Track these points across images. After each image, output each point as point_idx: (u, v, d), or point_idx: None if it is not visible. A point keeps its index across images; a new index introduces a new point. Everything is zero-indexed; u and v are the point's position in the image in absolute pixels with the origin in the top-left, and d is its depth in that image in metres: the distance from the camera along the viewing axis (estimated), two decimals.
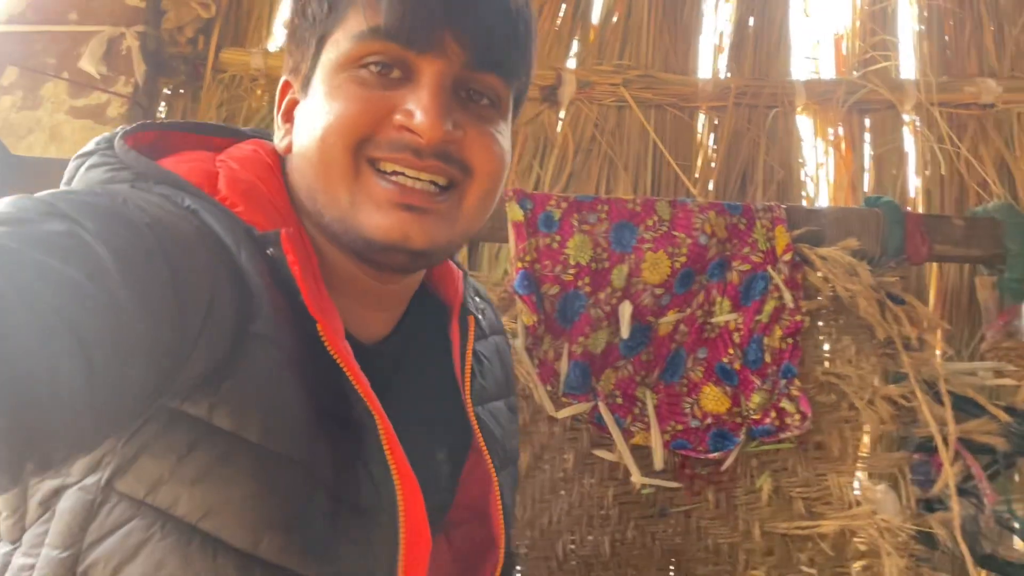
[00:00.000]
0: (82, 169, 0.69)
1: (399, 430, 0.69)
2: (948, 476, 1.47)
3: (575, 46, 2.09)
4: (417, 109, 0.67)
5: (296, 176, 0.73)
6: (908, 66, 2.14)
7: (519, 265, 1.47)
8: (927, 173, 2.07)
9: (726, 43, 2.12)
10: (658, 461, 1.50)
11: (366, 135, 0.68)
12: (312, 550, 0.61)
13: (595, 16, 2.11)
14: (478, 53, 0.69)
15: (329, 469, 0.64)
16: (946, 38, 2.16)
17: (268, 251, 0.65)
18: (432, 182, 0.69)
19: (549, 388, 1.47)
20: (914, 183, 2.08)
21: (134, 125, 0.73)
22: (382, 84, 0.68)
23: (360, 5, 0.68)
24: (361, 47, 0.68)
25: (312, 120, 0.69)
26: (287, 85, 0.77)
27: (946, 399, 1.51)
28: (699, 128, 2.07)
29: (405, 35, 0.67)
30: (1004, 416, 1.53)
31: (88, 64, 1.80)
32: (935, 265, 1.99)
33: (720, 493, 1.54)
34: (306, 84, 0.72)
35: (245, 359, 0.61)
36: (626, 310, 1.51)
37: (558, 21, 2.08)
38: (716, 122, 2.07)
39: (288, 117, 0.75)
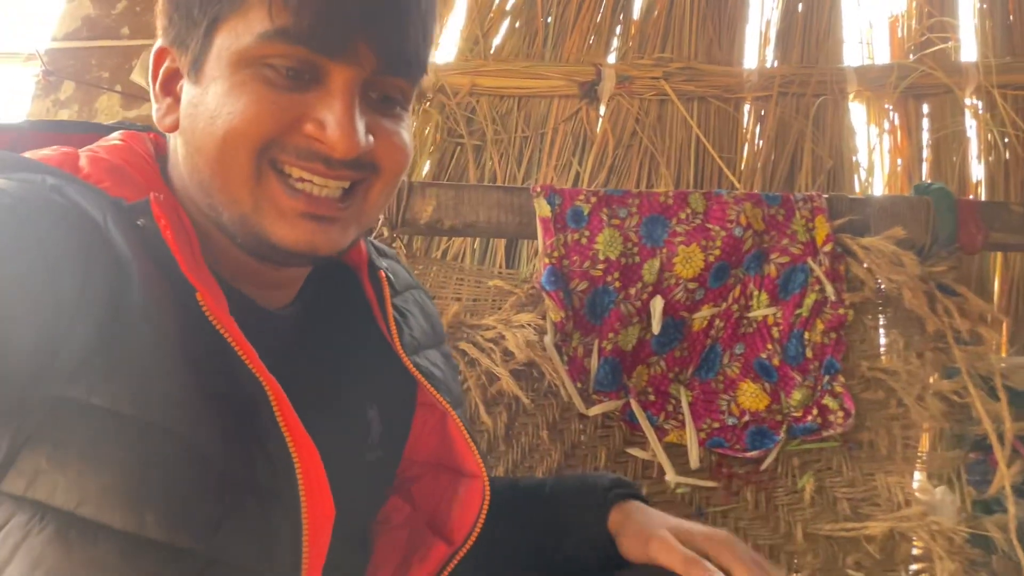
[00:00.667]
0: None
1: (315, 392, 0.67)
2: (1004, 476, 1.39)
3: (615, 42, 2.07)
4: (330, 121, 0.65)
5: (184, 166, 0.70)
6: (968, 48, 2.05)
7: (546, 261, 1.45)
8: (990, 159, 1.97)
9: (773, 31, 2.06)
10: (693, 460, 1.46)
11: (272, 139, 0.66)
12: (200, 528, 0.59)
13: (636, 10, 2.07)
14: (389, 59, 0.67)
15: (217, 445, 0.61)
16: (1010, 17, 2.05)
17: (139, 222, 0.63)
18: (339, 186, 0.68)
19: (579, 385, 1.45)
20: (976, 170, 1.99)
21: None
22: (288, 85, 0.66)
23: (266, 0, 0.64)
24: (267, 47, 0.65)
25: (210, 115, 0.66)
26: (164, 52, 0.72)
27: (1002, 395, 1.43)
28: (744, 120, 2.01)
29: (317, 40, 0.65)
30: None
31: (139, 76, 1.87)
32: (999, 255, 1.89)
33: (760, 493, 1.49)
34: (197, 67, 0.68)
35: (119, 333, 0.59)
36: (657, 305, 1.48)
37: (598, 17, 2.06)
38: (763, 113, 2.01)
39: (168, 91, 0.72)
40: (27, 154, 0.68)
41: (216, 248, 0.71)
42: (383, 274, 0.84)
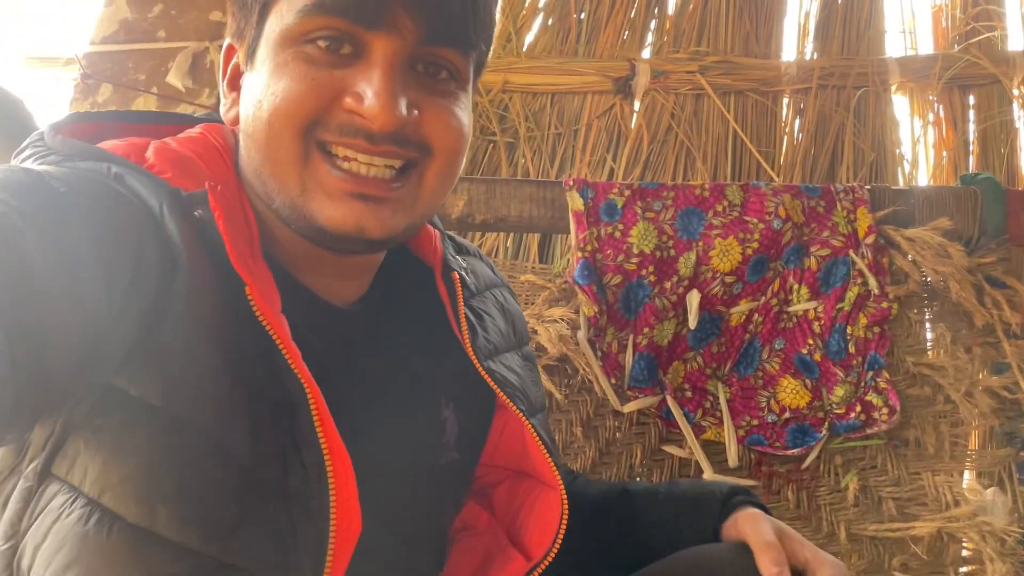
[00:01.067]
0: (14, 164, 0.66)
1: (385, 391, 0.64)
2: None
3: (650, 37, 2.04)
4: (368, 92, 0.63)
5: (243, 156, 0.70)
6: (1016, 37, 1.98)
7: (579, 255, 1.43)
8: None
9: (812, 23, 2.02)
10: (732, 457, 1.42)
11: (315, 118, 0.64)
12: (214, 529, 0.57)
13: (671, 4, 2.04)
14: (433, 28, 0.65)
15: (247, 445, 0.59)
16: None
17: (196, 213, 0.62)
18: (388, 166, 0.66)
19: (614, 381, 1.42)
20: None
21: (64, 117, 0.70)
22: (331, 62, 0.64)
23: None
24: (306, 22, 0.63)
25: (257, 99, 0.65)
26: (231, 49, 0.72)
27: None
28: (783, 113, 1.97)
29: (353, 11, 0.63)
30: None
31: (174, 79, 1.89)
32: None
33: (801, 492, 1.45)
34: (251, 55, 0.68)
35: (162, 323, 0.58)
36: (693, 299, 1.44)
37: (632, 12, 2.03)
38: (802, 106, 1.96)
39: (234, 85, 0.72)
40: (104, 145, 0.67)
41: (282, 240, 0.70)
42: (456, 275, 0.81)
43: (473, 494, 0.87)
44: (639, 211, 1.47)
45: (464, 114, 0.70)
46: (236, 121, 0.70)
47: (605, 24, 2.02)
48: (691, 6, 2.03)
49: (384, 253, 0.78)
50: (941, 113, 1.96)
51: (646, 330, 1.44)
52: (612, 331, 1.44)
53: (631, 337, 1.44)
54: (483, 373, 0.78)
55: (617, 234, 1.46)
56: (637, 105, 1.97)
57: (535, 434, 0.80)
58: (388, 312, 0.78)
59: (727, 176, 1.91)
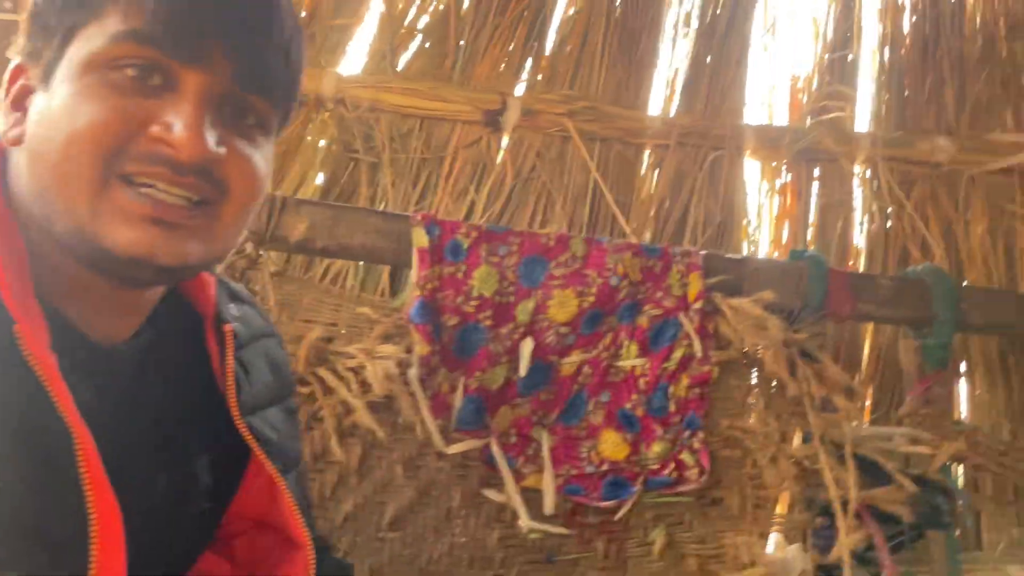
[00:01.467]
0: None
1: (142, 435, 0.64)
2: (843, 543, 1.42)
3: (525, 74, 2.06)
4: (177, 123, 0.63)
5: (23, 176, 0.67)
6: (863, 118, 2.11)
7: (418, 293, 1.43)
8: (872, 229, 2.03)
9: (680, 80, 2.09)
10: (548, 505, 1.45)
11: (119, 146, 0.63)
12: None
13: (548, 44, 2.07)
14: (247, 73, 0.67)
15: (8, 488, 0.57)
16: (906, 92, 2.12)
17: None
18: (185, 197, 0.66)
19: (440, 422, 1.43)
20: (858, 239, 2.05)
21: None
22: (139, 91, 0.64)
23: (121, 2, 0.64)
24: (118, 48, 0.63)
25: (55, 122, 0.64)
26: (20, 69, 0.70)
27: (849, 463, 1.46)
28: (643, 166, 2.03)
29: (171, 42, 0.64)
30: (910, 485, 1.48)
31: (15, 53, 1.77)
32: (871, 324, 1.94)
33: (611, 544, 1.49)
34: (48, 75, 0.66)
35: None
36: (527, 347, 1.47)
37: (510, 46, 2.05)
38: (661, 161, 2.02)
39: (19, 106, 0.69)
40: None
41: (49, 270, 0.67)
42: (227, 328, 0.81)
43: (214, 543, 0.86)
44: (484, 254, 1.48)
45: (264, 163, 0.71)
46: (18, 141, 0.68)
47: (483, 54, 2.03)
48: (568, 48, 2.06)
49: (160, 293, 0.76)
50: (788, 184, 2.06)
51: (478, 373, 1.45)
52: (444, 372, 1.44)
53: (462, 379, 1.45)
54: (243, 428, 0.79)
55: (459, 275, 1.46)
56: (505, 141, 1.98)
57: (286, 492, 0.80)
58: (154, 356, 0.77)
59: (584, 221, 1.94)
